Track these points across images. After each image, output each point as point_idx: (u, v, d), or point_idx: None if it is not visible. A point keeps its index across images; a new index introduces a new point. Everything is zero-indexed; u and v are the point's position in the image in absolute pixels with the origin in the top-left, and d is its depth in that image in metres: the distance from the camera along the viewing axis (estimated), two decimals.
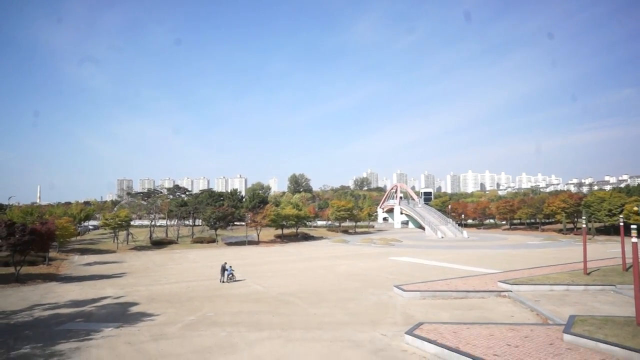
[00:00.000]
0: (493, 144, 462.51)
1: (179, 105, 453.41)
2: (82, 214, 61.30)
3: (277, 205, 76.00)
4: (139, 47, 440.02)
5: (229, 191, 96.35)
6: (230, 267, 27.00)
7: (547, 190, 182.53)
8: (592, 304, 17.28)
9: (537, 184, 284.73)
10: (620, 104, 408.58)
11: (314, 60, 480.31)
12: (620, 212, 33.93)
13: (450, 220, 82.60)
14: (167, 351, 13.07)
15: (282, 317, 17.29)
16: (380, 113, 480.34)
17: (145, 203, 78.04)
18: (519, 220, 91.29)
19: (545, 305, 17.34)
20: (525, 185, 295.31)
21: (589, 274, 22.69)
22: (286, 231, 66.08)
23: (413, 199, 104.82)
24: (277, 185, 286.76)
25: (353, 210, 79.88)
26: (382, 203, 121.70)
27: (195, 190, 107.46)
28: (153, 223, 67.30)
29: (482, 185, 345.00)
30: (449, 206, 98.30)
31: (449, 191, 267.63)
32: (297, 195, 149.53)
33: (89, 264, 38.12)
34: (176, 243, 56.03)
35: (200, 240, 57.29)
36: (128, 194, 74.39)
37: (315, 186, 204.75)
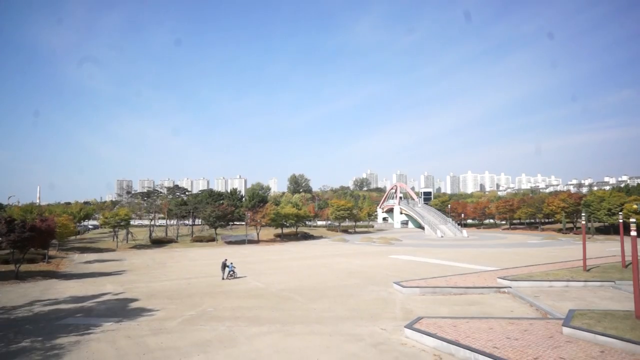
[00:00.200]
0: (493, 145, 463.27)
1: (179, 106, 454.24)
2: (81, 213, 61.28)
3: (276, 205, 76.02)
4: (139, 48, 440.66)
5: (229, 191, 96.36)
6: (232, 263, 27.02)
7: (547, 191, 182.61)
8: (591, 299, 17.31)
9: (537, 184, 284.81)
10: (619, 105, 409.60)
11: (314, 61, 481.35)
12: (620, 212, 33.83)
13: (450, 219, 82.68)
14: (166, 344, 13.09)
15: (282, 312, 17.31)
16: (380, 114, 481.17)
17: (145, 204, 78.04)
18: (518, 220, 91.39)
19: (545, 300, 17.37)
20: (525, 186, 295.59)
21: (588, 270, 22.72)
22: (286, 230, 66.12)
23: (413, 199, 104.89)
24: (277, 185, 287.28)
25: (353, 209, 79.95)
26: (382, 203, 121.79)
27: (195, 191, 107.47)
28: (153, 222, 67.33)
29: (481, 186, 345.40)
30: (449, 206, 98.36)
31: (448, 192, 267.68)
32: (296, 196, 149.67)
33: (89, 262, 38.15)
34: (176, 242, 56.07)
35: (199, 239, 57.32)
36: (128, 192, 74.32)
37: (315, 187, 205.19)
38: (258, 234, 61.21)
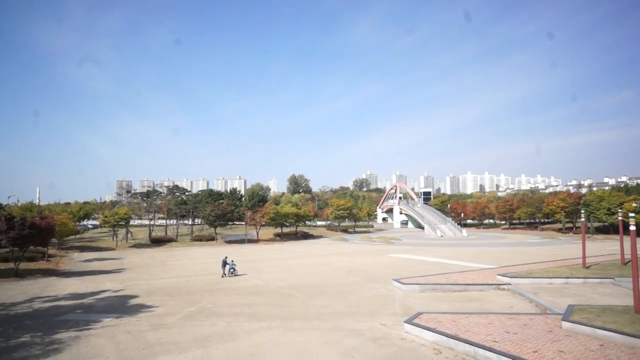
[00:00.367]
0: (492, 146, 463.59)
1: (179, 107, 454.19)
2: (81, 212, 61.26)
3: (276, 204, 76.03)
4: (140, 48, 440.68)
5: (229, 190, 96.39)
6: (232, 261, 27.04)
7: (547, 191, 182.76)
8: (590, 295, 17.33)
9: (536, 185, 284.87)
10: (619, 106, 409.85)
11: (313, 62, 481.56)
12: (620, 209, 33.93)
13: (450, 219, 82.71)
14: (166, 339, 13.09)
15: (282, 308, 17.32)
16: (380, 114, 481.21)
17: (144, 204, 78.12)
18: (518, 220, 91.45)
19: (544, 296, 17.39)
20: (525, 186, 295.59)
21: (587, 267, 22.75)
22: (285, 230, 66.15)
23: (412, 199, 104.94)
24: (277, 186, 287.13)
25: (352, 209, 79.99)
26: (382, 203, 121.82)
27: (195, 192, 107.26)
28: (152, 222, 67.35)
29: (481, 186, 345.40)
30: (448, 206, 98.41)
31: (448, 192, 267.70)
32: (296, 196, 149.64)
33: (88, 261, 38.15)
34: (175, 241, 56.06)
35: (199, 239, 57.32)
36: (127, 192, 74.23)
37: (315, 187, 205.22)
38: (257, 234, 61.22)
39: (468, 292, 19.55)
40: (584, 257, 23.18)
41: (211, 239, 57.80)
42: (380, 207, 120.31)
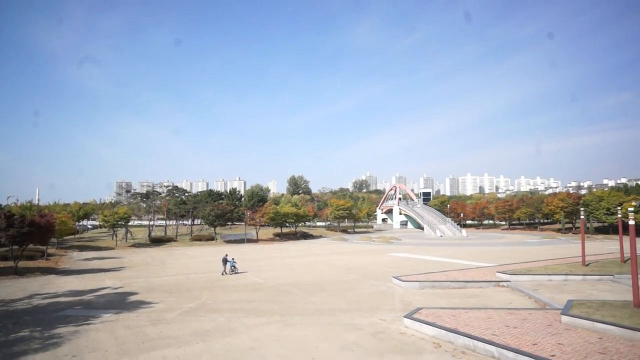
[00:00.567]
0: (492, 147, 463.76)
1: (179, 108, 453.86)
2: (80, 212, 61.22)
3: (276, 205, 76.03)
4: (140, 50, 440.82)
5: (228, 190, 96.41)
6: (233, 259, 27.05)
7: (546, 193, 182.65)
8: (589, 292, 17.33)
9: (536, 187, 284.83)
10: (619, 107, 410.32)
11: (313, 63, 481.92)
12: (619, 207, 33.77)
13: (449, 219, 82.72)
14: (165, 334, 13.09)
15: (281, 304, 17.32)
16: (380, 116, 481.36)
17: (144, 204, 78.10)
18: (517, 220, 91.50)
19: (544, 293, 17.39)
20: (524, 188, 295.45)
21: (587, 265, 22.75)
22: (285, 230, 66.15)
23: (412, 200, 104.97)
24: (276, 187, 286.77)
25: (352, 209, 79.95)
26: (381, 204, 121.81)
27: (194, 193, 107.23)
28: (152, 222, 67.34)
29: (480, 188, 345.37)
30: (448, 206, 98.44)
31: (447, 194, 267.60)
32: (296, 197, 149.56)
33: (88, 259, 38.12)
34: (175, 241, 56.03)
35: (199, 238, 57.30)
36: (127, 191, 74.14)
37: (314, 188, 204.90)
38: (257, 234, 61.19)
39: (467, 289, 19.56)
40: (583, 254, 23.18)
41: (211, 238, 57.78)
42: (379, 208, 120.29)
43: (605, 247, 41.54)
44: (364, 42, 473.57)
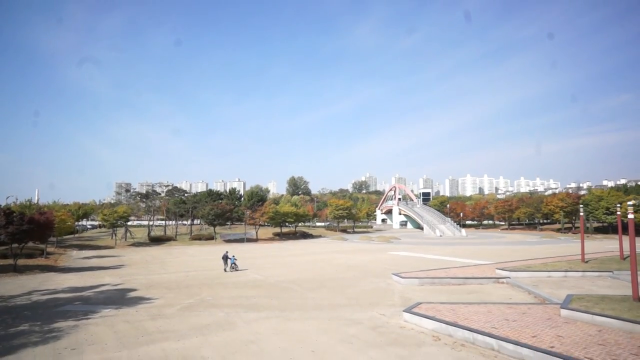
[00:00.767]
0: (492, 148, 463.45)
1: (179, 109, 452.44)
2: (80, 211, 61.20)
3: (276, 204, 76.05)
4: (140, 51, 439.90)
5: (228, 190, 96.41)
6: (233, 256, 27.07)
7: (546, 194, 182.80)
8: (589, 288, 17.34)
9: (535, 188, 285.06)
10: (618, 109, 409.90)
11: (313, 65, 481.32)
12: (619, 205, 33.68)
13: (449, 219, 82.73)
14: (165, 328, 13.09)
15: (281, 300, 17.33)
16: (379, 117, 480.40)
17: (143, 205, 78.10)
18: (517, 220, 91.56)
19: (543, 289, 17.41)
20: (524, 189, 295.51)
21: (586, 262, 22.77)
22: (284, 230, 66.14)
23: (412, 200, 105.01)
24: (276, 188, 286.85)
25: (351, 209, 79.95)
26: (381, 204, 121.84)
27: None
28: (151, 222, 67.33)
29: (480, 189, 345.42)
30: (447, 206, 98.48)
31: (447, 195, 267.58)
32: (295, 197, 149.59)
33: (87, 258, 38.09)
34: (174, 240, 56.01)
35: (198, 238, 57.29)
36: (127, 191, 74.04)
37: (314, 190, 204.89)
38: (257, 233, 61.16)
39: (467, 285, 19.57)
40: (582, 251, 23.21)
41: (210, 238, 57.76)
42: (379, 208, 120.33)
43: (605, 246, 41.56)
44: (364, 44, 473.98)
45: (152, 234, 58.92)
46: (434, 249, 42.17)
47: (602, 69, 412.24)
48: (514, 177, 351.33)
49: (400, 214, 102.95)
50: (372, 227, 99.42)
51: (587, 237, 49.33)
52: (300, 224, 71.08)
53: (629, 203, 13.14)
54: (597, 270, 20.39)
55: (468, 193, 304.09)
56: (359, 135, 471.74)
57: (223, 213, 58.23)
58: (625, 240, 21.38)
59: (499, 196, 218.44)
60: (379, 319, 13.71)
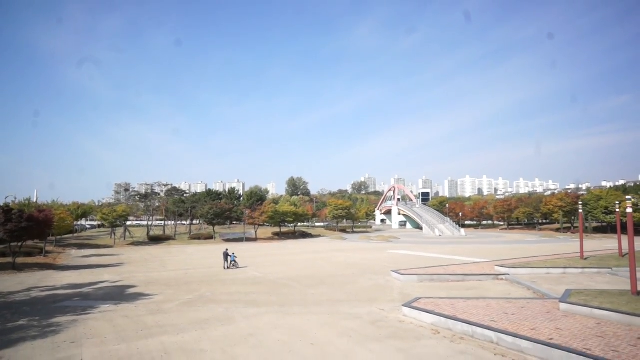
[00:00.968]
0: (491, 149, 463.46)
1: (179, 110, 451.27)
2: (79, 210, 61.10)
3: (275, 204, 76.05)
4: (139, 52, 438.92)
5: (227, 189, 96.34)
6: (233, 253, 27.09)
7: (545, 195, 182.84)
8: (588, 284, 17.37)
9: (535, 189, 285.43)
10: (618, 110, 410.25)
11: (313, 65, 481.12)
12: (618, 204, 33.58)
13: (448, 219, 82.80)
14: (164, 323, 13.08)
15: (280, 296, 17.33)
16: (379, 118, 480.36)
17: (142, 205, 78.09)
18: (516, 220, 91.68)
19: (543, 285, 17.44)
20: (523, 190, 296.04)
21: (585, 259, 22.81)
22: (284, 229, 66.14)
23: (411, 200, 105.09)
24: (275, 189, 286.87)
25: (351, 209, 79.97)
26: (380, 205, 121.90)
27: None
28: (150, 222, 67.31)
29: (479, 190, 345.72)
30: (447, 206, 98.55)
31: (446, 196, 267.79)
32: (294, 198, 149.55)
33: (86, 257, 38.06)
34: (174, 239, 55.97)
35: (197, 237, 57.26)
36: (126, 190, 74.04)
37: (313, 190, 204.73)
38: (256, 232, 61.14)
39: (466, 282, 19.59)
40: (581, 248, 23.26)
41: (209, 237, 57.73)
42: (378, 209, 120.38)
43: (604, 245, 41.61)
44: (364, 45, 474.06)
45: (151, 233, 58.89)
46: (433, 248, 42.19)
47: (602, 70, 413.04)
48: (513, 178, 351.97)
49: (399, 214, 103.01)
50: (371, 227, 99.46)
51: (586, 236, 49.39)
52: (299, 224, 71.11)
53: (627, 197, 13.17)
54: (596, 267, 20.43)
55: (467, 194, 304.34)
56: (358, 136, 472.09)
57: (222, 212, 58.22)
58: (624, 239, 21.40)
59: (498, 197, 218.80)
60: (378, 314, 13.72)
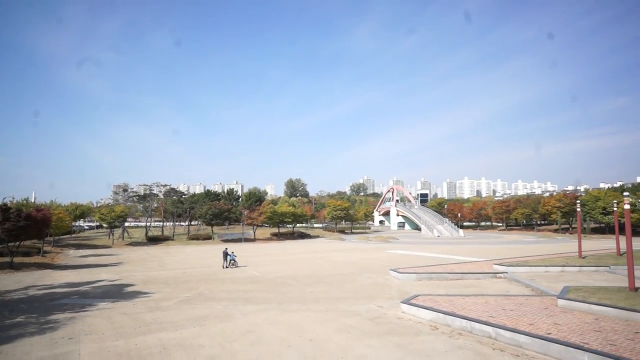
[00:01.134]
0: (489, 151, 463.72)
1: (178, 112, 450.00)
2: (77, 211, 60.96)
3: (274, 204, 76.03)
4: (138, 53, 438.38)
5: (226, 190, 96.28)
6: (232, 252, 27.07)
7: (543, 196, 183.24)
8: (586, 281, 17.38)
9: (533, 190, 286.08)
10: (617, 112, 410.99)
11: (312, 67, 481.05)
12: (616, 203, 33.57)
13: (447, 220, 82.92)
14: (162, 320, 13.06)
15: (279, 294, 17.32)
16: (378, 120, 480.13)
17: (141, 207, 77.98)
18: (514, 221, 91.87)
19: (541, 282, 17.46)
20: (521, 192, 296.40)
21: (583, 257, 22.86)
22: (282, 230, 66.11)
23: (409, 201, 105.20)
24: (274, 190, 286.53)
25: (349, 210, 79.97)
26: (379, 206, 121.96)
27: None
28: (149, 222, 67.19)
29: (478, 192, 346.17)
30: (445, 207, 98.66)
31: (445, 198, 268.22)
32: (293, 199, 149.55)
33: (84, 256, 37.95)
34: (172, 240, 55.86)
35: (196, 237, 57.18)
36: (124, 190, 73.90)
37: (312, 192, 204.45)
38: (254, 233, 61.09)
39: (464, 280, 19.61)
40: (579, 247, 23.32)
41: (208, 237, 57.66)
42: (377, 210, 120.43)
43: (602, 245, 41.71)
44: (363, 46, 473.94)
45: (150, 234, 58.78)
46: (432, 248, 42.22)
47: (601, 72, 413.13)
48: (512, 180, 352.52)
49: (398, 215, 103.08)
50: (369, 228, 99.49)
51: (584, 237, 49.52)
52: (297, 225, 71.08)
53: (625, 193, 13.23)
54: (594, 265, 20.50)
55: (466, 196, 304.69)
56: (357, 138, 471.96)
57: (221, 213, 58.17)
58: (622, 239, 21.45)
59: (496, 199, 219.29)
60: (376, 311, 13.72)
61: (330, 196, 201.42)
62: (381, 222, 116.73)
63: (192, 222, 73.99)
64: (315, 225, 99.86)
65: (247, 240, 57.21)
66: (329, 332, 11.29)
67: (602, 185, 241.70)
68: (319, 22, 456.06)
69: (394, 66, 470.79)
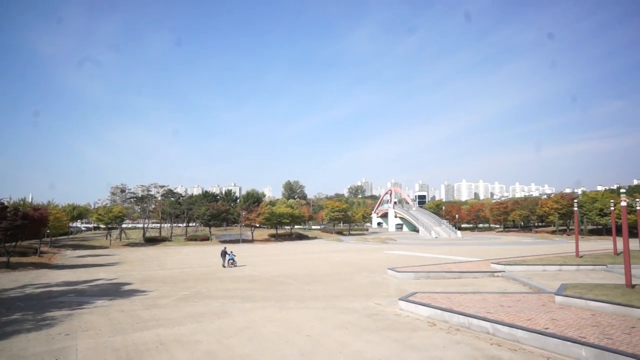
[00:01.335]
0: (487, 154, 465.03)
1: (176, 114, 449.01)
2: (74, 212, 60.70)
3: (272, 205, 75.99)
4: (137, 55, 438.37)
5: (224, 191, 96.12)
6: (231, 252, 27.04)
7: (541, 198, 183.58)
8: (583, 280, 17.41)
9: (530, 193, 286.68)
10: (615, 115, 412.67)
11: (310, 70, 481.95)
12: (614, 204, 33.73)
13: (445, 221, 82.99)
14: (159, 316, 13.03)
15: (276, 292, 17.30)
16: (376, 122, 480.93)
17: (138, 208, 77.70)
18: (512, 223, 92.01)
19: (538, 281, 17.50)
20: (519, 194, 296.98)
21: (581, 257, 22.92)
22: (280, 231, 66.06)
23: (407, 203, 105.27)
24: (272, 193, 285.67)
25: (347, 211, 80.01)
26: (377, 208, 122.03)
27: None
28: (147, 223, 66.96)
29: (475, 194, 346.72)
30: (443, 208, 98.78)
31: (443, 200, 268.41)
32: (291, 201, 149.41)
33: (82, 256, 37.81)
34: (170, 240, 55.73)
35: (194, 238, 57.05)
36: (122, 191, 73.66)
37: (310, 194, 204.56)
38: (252, 234, 61.02)
39: (462, 279, 19.63)
40: (577, 247, 23.38)
41: (205, 238, 57.54)
42: (375, 212, 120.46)
43: (599, 245, 41.76)
44: (362, 48, 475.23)
45: (147, 234, 58.60)
46: (430, 249, 42.25)
47: (600, 74, 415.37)
48: (509, 183, 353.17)
49: (396, 217, 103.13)
50: (367, 230, 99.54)
51: (581, 238, 49.65)
52: (295, 226, 71.03)
53: (621, 191, 13.29)
54: (591, 264, 20.55)
55: (463, 198, 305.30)
56: (355, 140, 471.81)
57: (219, 214, 58.08)
58: (619, 239, 21.50)
59: (494, 201, 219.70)
60: (374, 308, 13.72)
61: (329, 198, 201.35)
62: (379, 224, 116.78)
63: (190, 224, 73.86)
64: (313, 226, 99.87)
65: (245, 241, 57.13)
66: (326, 328, 11.28)
67: (599, 188, 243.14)
68: (318, 24, 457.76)
69: (393, 68, 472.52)
